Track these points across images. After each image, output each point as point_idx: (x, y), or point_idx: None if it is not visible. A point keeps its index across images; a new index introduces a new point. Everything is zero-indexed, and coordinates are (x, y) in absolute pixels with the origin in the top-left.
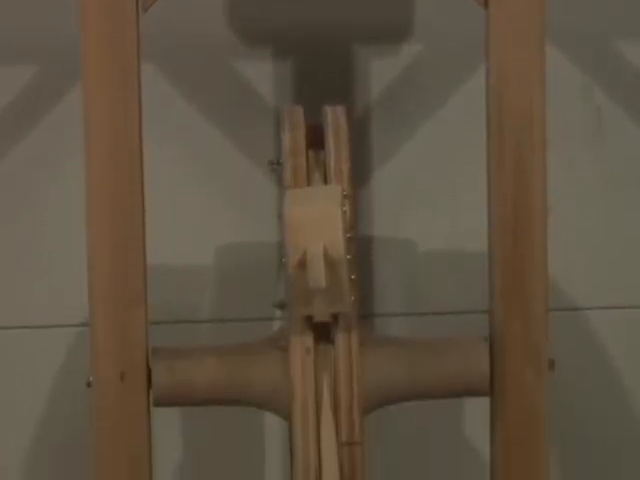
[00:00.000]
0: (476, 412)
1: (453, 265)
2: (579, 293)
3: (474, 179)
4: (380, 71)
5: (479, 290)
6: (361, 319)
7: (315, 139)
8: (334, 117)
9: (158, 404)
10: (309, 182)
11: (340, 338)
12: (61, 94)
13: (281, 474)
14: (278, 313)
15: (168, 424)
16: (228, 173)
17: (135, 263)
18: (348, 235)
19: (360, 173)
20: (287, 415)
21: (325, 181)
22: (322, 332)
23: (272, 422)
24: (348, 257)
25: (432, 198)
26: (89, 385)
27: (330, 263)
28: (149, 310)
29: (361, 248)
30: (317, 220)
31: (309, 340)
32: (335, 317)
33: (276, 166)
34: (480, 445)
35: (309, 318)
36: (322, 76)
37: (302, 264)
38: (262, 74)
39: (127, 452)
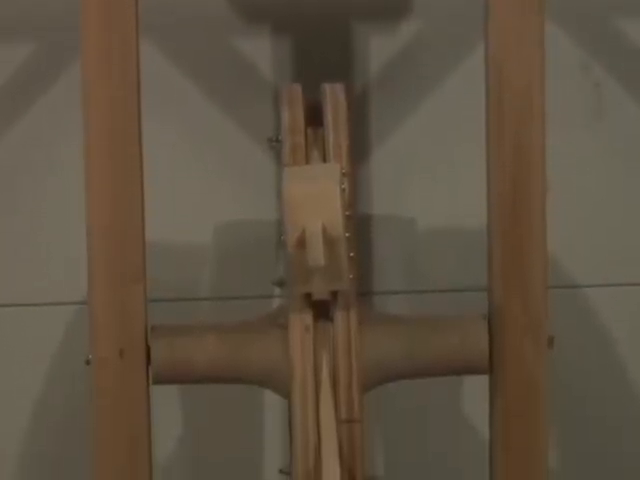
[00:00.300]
0: (475, 390)
1: (452, 242)
2: (579, 270)
3: (473, 156)
4: (379, 48)
5: (478, 267)
6: (360, 297)
7: (314, 117)
8: (333, 95)
9: (157, 382)
10: (308, 160)
11: (339, 316)
12: (59, 73)
13: (280, 451)
14: (277, 291)
15: (167, 402)
16: (227, 150)
17: (134, 240)
18: (347, 213)
19: (359, 151)
20: (286, 393)
21: (324, 159)
22: (321, 310)
23: (271, 400)
24: (347, 235)
25: (431, 175)
26: (88, 363)
27: (329, 241)
28: (148, 287)
29: (360, 226)
30: (316, 198)
31: (308, 318)
32: (334, 295)
33: (275, 144)
34: (479, 423)
35: (308, 296)
36: (321, 53)
37: (301, 242)
38: (261, 52)
39: (126, 430)
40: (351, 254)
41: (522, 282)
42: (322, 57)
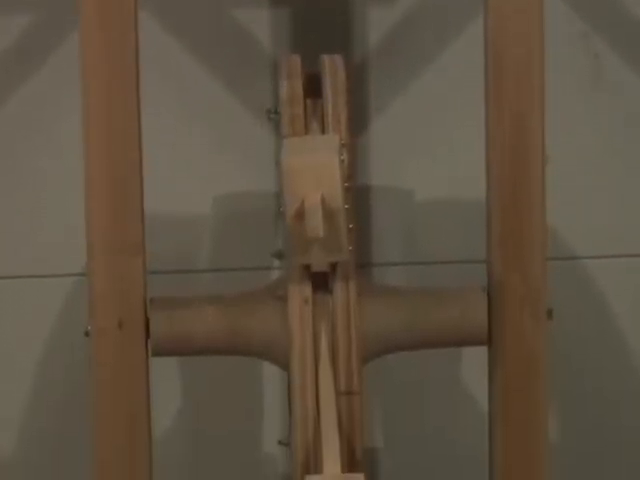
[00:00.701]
0: (474, 361)
1: (452, 214)
2: (578, 242)
3: (473, 128)
4: (378, 19)
5: (478, 239)
6: (359, 268)
7: (313, 88)
8: (332, 66)
9: (156, 354)
10: (307, 131)
11: (338, 287)
12: (58, 43)
13: (279, 424)
14: (276, 263)
15: (166, 374)
16: (226, 122)
17: (133, 213)
18: (346, 184)
19: (358, 122)
20: (285, 365)
21: (323, 130)
22: (320, 282)
23: (271, 372)
24: (346, 206)
25: (430, 147)
26: (87, 335)
27: (328, 212)
28: (147, 259)
29: (359, 197)
30: (315, 169)
31: (307, 290)
32: (333, 266)
33: (274, 115)
34: (478, 394)
35: (307, 267)
36: (320, 24)
37: (300, 213)
38: (260, 23)
39: (126, 401)
40: (350, 225)
41: (521, 254)
42: (321, 28)
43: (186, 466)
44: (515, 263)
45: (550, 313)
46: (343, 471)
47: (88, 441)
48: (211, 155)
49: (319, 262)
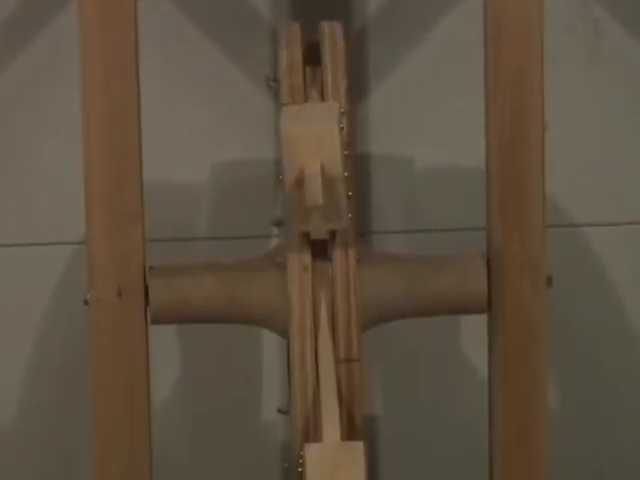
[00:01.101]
0: (474, 329)
1: (451, 182)
2: (577, 209)
3: (473, 95)
4: None
5: (477, 207)
6: (358, 236)
7: (312, 56)
8: (331, 34)
9: (155, 322)
10: (306, 99)
11: (338, 255)
12: (57, 11)
13: (279, 392)
14: (275, 231)
15: (166, 342)
16: (225, 90)
17: (132, 180)
18: (345, 152)
19: (357, 90)
20: (285, 332)
21: (322, 98)
22: (320, 249)
23: (270, 339)
24: (345, 174)
25: (430, 114)
26: (87, 303)
27: (327, 180)
28: (146, 227)
29: (358, 165)
30: (314, 137)
31: (307, 257)
32: (332, 234)
33: (273, 83)
34: (478, 362)
35: (307, 235)
36: None
37: (300, 181)
38: None
39: (125, 369)
40: (349, 193)
41: (520, 221)
42: None
43: (185, 434)
44: (514, 230)
45: (550, 280)
46: (342, 439)
47: (88, 410)
48: (210, 123)
49: (318, 230)
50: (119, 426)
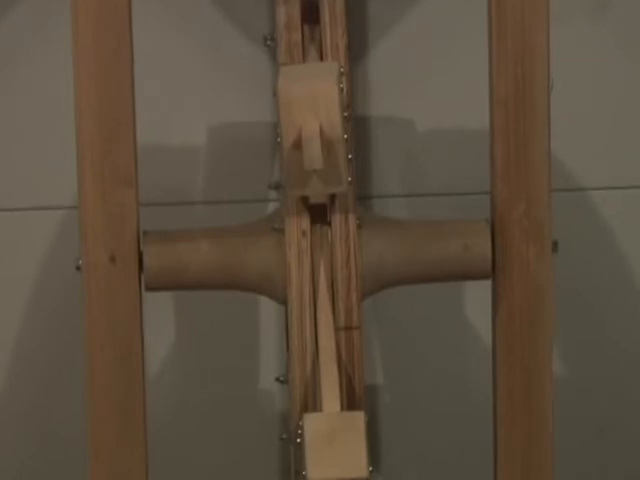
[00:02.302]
0: (477, 295)
1: (454, 144)
2: (583, 172)
3: (475, 54)
4: None
5: (480, 170)
6: (358, 201)
7: (311, 14)
8: None
9: (150, 288)
10: (304, 58)
11: (337, 220)
12: None
13: (277, 360)
14: (273, 194)
15: (160, 309)
16: (221, 49)
17: (125, 143)
18: (345, 114)
19: (356, 49)
20: (283, 299)
21: (321, 57)
22: (318, 214)
23: (267, 306)
24: (345, 136)
25: (432, 74)
26: (79, 269)
27: (327, 142)
28: (140, 191)
29: (358, 127)
30: (313, 98)
31: (305, 222)
32: (332, 198)
33: (270, 42)
34: (482, 329)
35: (305, 199)
36: None
37: (298, 144)
38: None
39: (119, 337)
40: (349, 156)
41: (525, 185)
42: None
43: (180, 404)
44: (519, 194)
45: (555, 245)
46: (342, 409)
47: (81, 379)
48: (206, 84)
49: (317, 194)
50: (112, 396)
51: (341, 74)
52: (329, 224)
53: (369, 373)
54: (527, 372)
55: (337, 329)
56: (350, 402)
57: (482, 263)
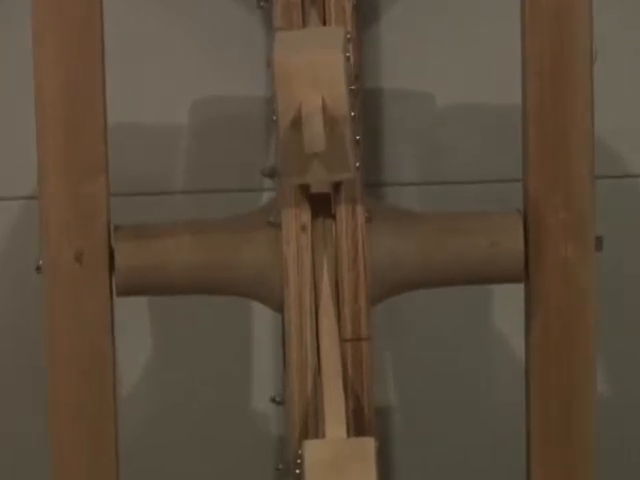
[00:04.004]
0: (507, 302)
1: (479, 124)
2: (631, 157)
3: (505, 17)
4: None
5: (511, 154)
6: (368, 189)
7: None
8: None
9: (122, 293)
10: (304, 23)
11: (343, 212)
12: None
13: (271, 376)
14: (267, 183)
15: (135, 317)
16: (208, 12)
17: (93, 122)
18: (352, 87)
19: (366, 11)
20: (279, 305)
21: (324, 22)
22: (321, 205)
23: (261, 314)
24: (352, 114)
25: (451, 42)
26: (39, 270)
27: (330, 121)
28: (111, 180)
29: (367, 103)
30: (315, 69)
31: (305, 215)
32: (336, 187)
33: (264, 3)
34: (513, 342)
35: (305, 188)
36: None
37: (297, 122)
38: None
39: (86, 350)
40: (357, 137)
41: (564, 171)
42: None
43: (159, 429)
44: (557, 182)
45: (599, 242)
46: (349, 434)
47: (42, 399)
48: (189, 52)
49: (319, 181)
50: (79, 419)
51: (347, 41)
52: (333, 217)
53: (380, 392)
54: (566, 394)
55: (343, 340)
56: (358, 426)
57: (513, 263)
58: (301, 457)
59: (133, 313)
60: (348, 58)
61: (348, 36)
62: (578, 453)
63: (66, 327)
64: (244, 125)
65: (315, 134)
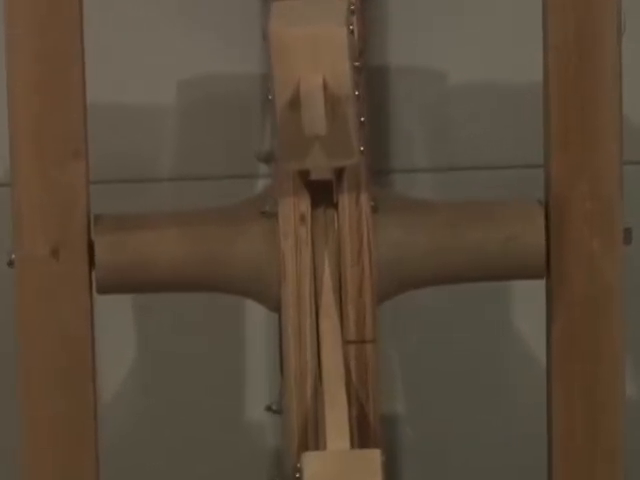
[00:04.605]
0: (526, 300)
1: (496, 103)
2: None
3: None
4: None
5: (529, 137)
6: (374, 176)
7: None
8: None
9: (103, 290)
10: None
11: (346, 201)
12: None
13: (267, 383)
14: (263, 168)
15: (117, 317)
16: None
17: (71, 101)
18: (356, 64)
19: None
20: (275, 304)
21: None
22: (322, 194)
23: (255, 314)
24: (356, 93)
25: (464, 12)
26: (11, 265)
27: (332, 100)
28: (91, 166)
29: (373, 81)
30: (315, 43)
31: (305, 204)
32: (339, 173)
33: None
34: (533, 343)
35: (305, 175)
36: None
37: (295, 102)
38: None
39: (65, 353)
40: (362, 119)
41: (590, 156)
42: None
43: (145, 440)
44: (582, 168)
45: (628, 234)
46: (353, 446)
47: (14, 414)
48: (175, 24)
49: (320, 167)
50: (55, 431)
51: (351, 12)
52: (335, 207)
53: (387, 399)
54: (592, 397)
55: (345, 342)
56: (362, 437)
57: (533, 257)
58: (300, 471)
59: (115, 313)
60: (352, 31)
61: (352, 7)
62: (604, 462)
63: (41, 329)
64: (237, 105)
65: (315, 115)
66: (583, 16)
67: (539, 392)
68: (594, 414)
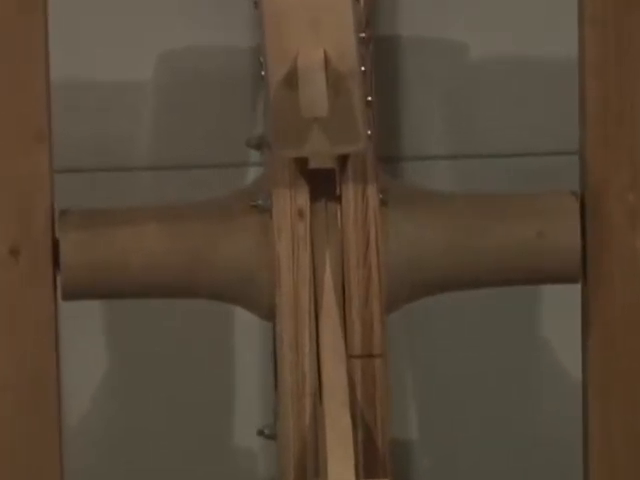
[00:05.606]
0: (559, 307)
1: (519, 81)
2: None
3: None
4: None
5: (561, 121)
6: (383, 165)
7: None
8: None
9: (69, 295)
10: None
11: (350, 193)
12: None
13: (259, 403)
14: (254, 156)
15: (87, 325)
16: None
17: (33, 79)
18: (362, 35)
19: None
20: (269, 312)
21: None
22: (323, 185)
23: (246, 323)
24: (362, 69)
25: None
26: None
27: (335, 77)
28: (56, 152)
29: (382, 56)
30: (315, 11)
31: (303, 197)
32: (343, 162)
33: None
34: (566, 356)
35: (302, 163)
36: None
37: (292, 79)
38: None
39: (25, 367)
40: (369, 98)
41: (631, 144)
42: None
43: (120, 467)
44: (622, 158)
45: None
46: (358, 476)
47: None
48: None
49: (321, 154)
50: (15, 457)
51: None
52: (338, 200)
53: (397, 423)
54: (633, 420)
55: (350, 357)
56: (369, 465)
57: (567, 258)
58: None
59: (83, 321)
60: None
61: None
62: None
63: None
64: (224, 83)
65: (315, 94)
66: None
67: (571, 419)
68: (636, 438)
